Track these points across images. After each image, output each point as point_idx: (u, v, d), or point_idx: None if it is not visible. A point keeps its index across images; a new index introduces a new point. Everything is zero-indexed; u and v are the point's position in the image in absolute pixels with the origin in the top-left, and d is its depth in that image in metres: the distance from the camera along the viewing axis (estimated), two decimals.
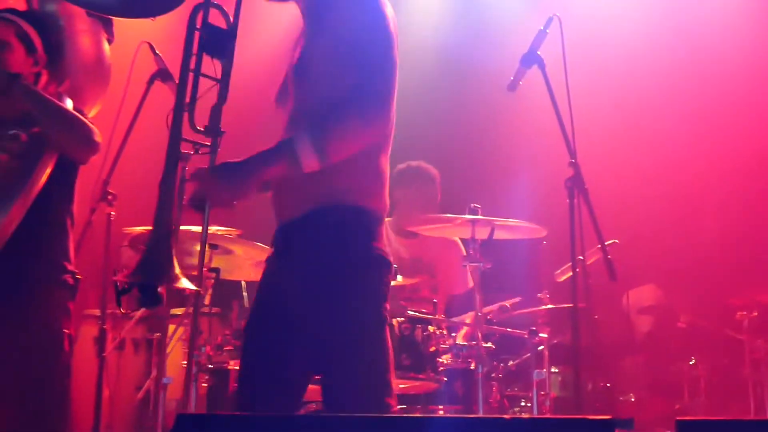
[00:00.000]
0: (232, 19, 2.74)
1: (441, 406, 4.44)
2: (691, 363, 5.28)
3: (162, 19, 3.28)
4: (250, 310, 2.97)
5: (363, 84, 2.67)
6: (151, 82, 3.79)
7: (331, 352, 2.68)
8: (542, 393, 4.64)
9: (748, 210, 5.77)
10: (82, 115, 3.36)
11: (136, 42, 3.88)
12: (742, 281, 5.45)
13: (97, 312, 4.46)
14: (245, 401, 2.86)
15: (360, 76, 2.68)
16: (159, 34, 3.51)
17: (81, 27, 3.52)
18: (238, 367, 3.09)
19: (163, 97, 3.80)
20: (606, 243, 3.68)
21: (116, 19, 3.57)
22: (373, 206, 2.75)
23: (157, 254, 2.52)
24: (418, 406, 4.50)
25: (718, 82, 6.05)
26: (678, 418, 1.89)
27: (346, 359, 2.67)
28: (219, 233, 4.67)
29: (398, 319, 4.46)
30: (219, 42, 2.72)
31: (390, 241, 5.40)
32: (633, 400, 5.15)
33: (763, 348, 5.18)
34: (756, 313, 5.23)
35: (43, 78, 3.40)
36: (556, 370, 4.96)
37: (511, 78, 3.81)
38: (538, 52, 3.80)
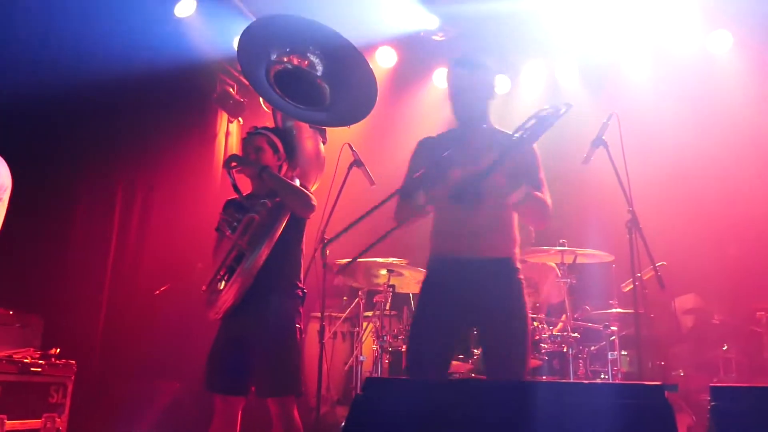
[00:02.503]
0: None
1: (544, 377, 4.34)
2: (724, 349, 4.99)
3: (355, 127, 3.42)
4: (422, 302, 3.02)
5: None
6: (350, 168, 3.86)
7: (494, 325, 2.87)
8: (615, 369, 4.52)
9: (764, 238, 5.39)
10: (306, 189, 3.40)
11: (340, 142, 3.95)
12: (760, 289, 5.12)
13: (318, 314, 4.44)
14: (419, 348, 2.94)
15: None
16: (354, 135, 3.59)
17: (306, 135, 3.55)
18: (406, 350, 3.15)
19: (356, 176, 3.95)
20: (657, 264, 3.57)
21: (327, 128, 3.61)
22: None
23: None
24: (528, 377, 4.38)
25: (736, 152, 5.71)
26: (711, 385, 1.84)
27: (504, 328, 2.86)
28: (394, 262, 4.72)
29: None
30: None
31: None
32: (682, 374, 4.89)
33: None
34: None
35: (283, 168, 3.46)
36: (625, 353, 4.76)
37: (585, 155, 3.72)
38: (603, 137, 3.71)
